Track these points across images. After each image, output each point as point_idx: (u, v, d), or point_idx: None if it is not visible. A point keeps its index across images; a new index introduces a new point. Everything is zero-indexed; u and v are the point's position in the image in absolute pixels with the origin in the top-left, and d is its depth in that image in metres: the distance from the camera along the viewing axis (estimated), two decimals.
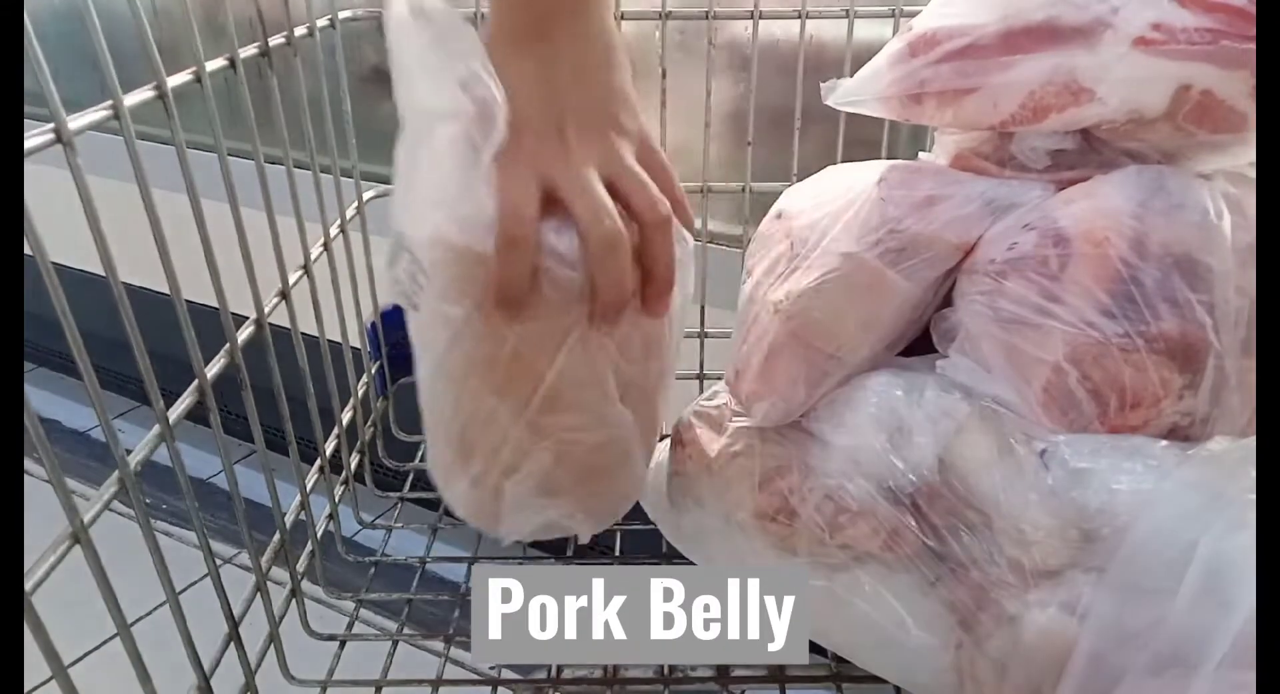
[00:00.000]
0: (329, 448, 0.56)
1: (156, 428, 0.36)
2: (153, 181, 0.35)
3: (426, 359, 0.45)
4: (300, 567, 0.52)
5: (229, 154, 0.40)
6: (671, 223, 0.41)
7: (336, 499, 0.58)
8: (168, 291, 0.36)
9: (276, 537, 0.48)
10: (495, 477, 0.46)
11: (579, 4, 0.40)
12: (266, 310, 0.45)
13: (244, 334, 0.43)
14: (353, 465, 0.62)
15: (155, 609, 0.39)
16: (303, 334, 0.49)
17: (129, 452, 0.34)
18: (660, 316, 0.44)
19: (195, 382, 0.39)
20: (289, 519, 0.49)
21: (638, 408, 0.47)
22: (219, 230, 0.39)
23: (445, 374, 0.44)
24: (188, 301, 0.37)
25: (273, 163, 0.44)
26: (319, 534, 0.55)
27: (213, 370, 0.40)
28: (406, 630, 0.57)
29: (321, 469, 0.54)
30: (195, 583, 0.46)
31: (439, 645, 0.55)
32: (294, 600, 0.51)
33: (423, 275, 0.41)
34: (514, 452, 0.45)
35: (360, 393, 0.64)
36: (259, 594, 0.45)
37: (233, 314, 0.41)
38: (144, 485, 0.34)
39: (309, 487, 0.52)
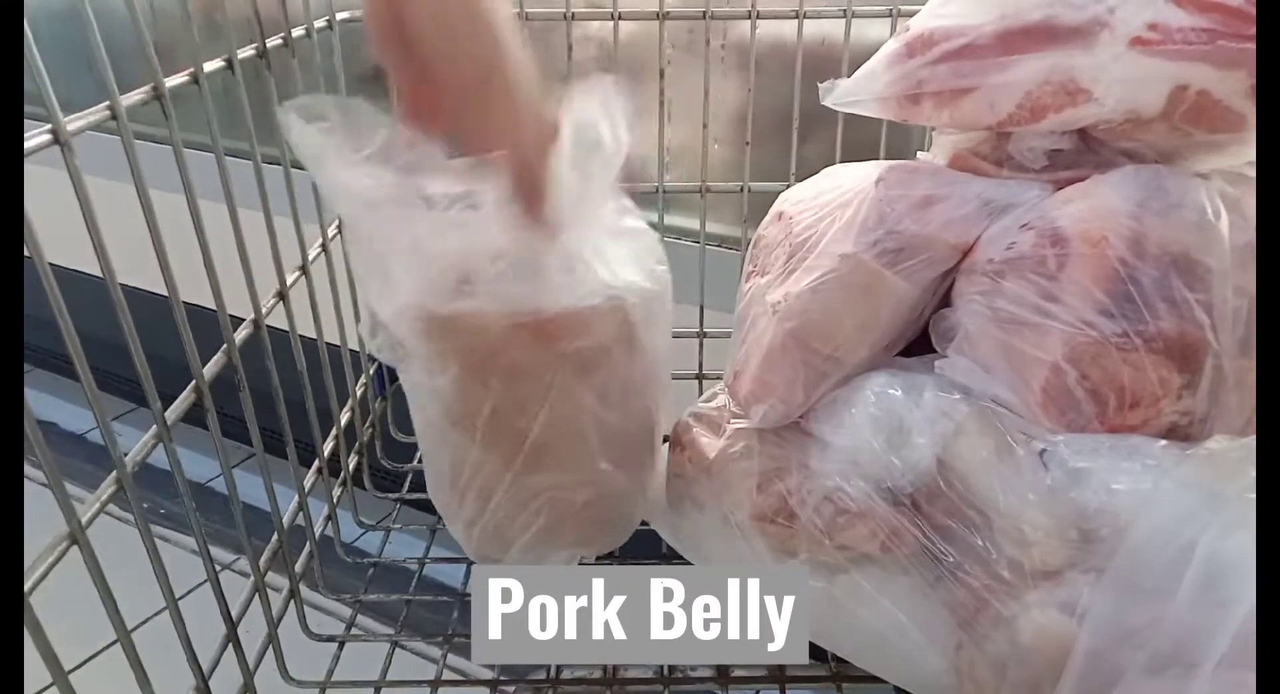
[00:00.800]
0: (327, 449, 0.56)
1: (154, 428, 0.36)
2: (149, 182, 0.35)
3: (416, 411, 0.46)
4: (299, 568, 0.52)
5: (226, 154, 0.40)
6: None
7: (335, 500, 0.58)
8: (164, 293, 0.36)
9: (275, 538, 0.48)
10: (488, 520, 0.47)
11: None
12: (264, 310, 0.45)
13: (241, 334, 0.43)
14: (351, 467, 0.61)
15: (156, 615, 0.39)
16: (300, 336, 0.49)
17: (126, 454, 0.34)
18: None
19: (193, 381, 0.39)
20: (287, 520, 0.49)
21: (626, 452, 0.48)
22: (215, 231, 0.39)
23: (434, 426, 0.45)
24: (185, 304, 0.37)
25: (270, 163, 0.44)
26: (317, 535, 0.54)
27: (210, 370, 0.40)
28: (405, 632, 0.57)
29: (320, 471, 0.54)
30: (195, 589, 0.46)
31: (438, 646, 0.55)
32: (292, 602, 0.51)
33: (400, 347, 0.43)
34: (507, 502, 0.46)
35: (358, 394, 0.64)
36: (257, 595, 0.45)
37: (230, 317, 0.41)
38: (141, 489, 0.34)
39: (307, 488, 0.52)
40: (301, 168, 0.48)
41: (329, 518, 0.57)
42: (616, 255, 0.44)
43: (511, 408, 0.43)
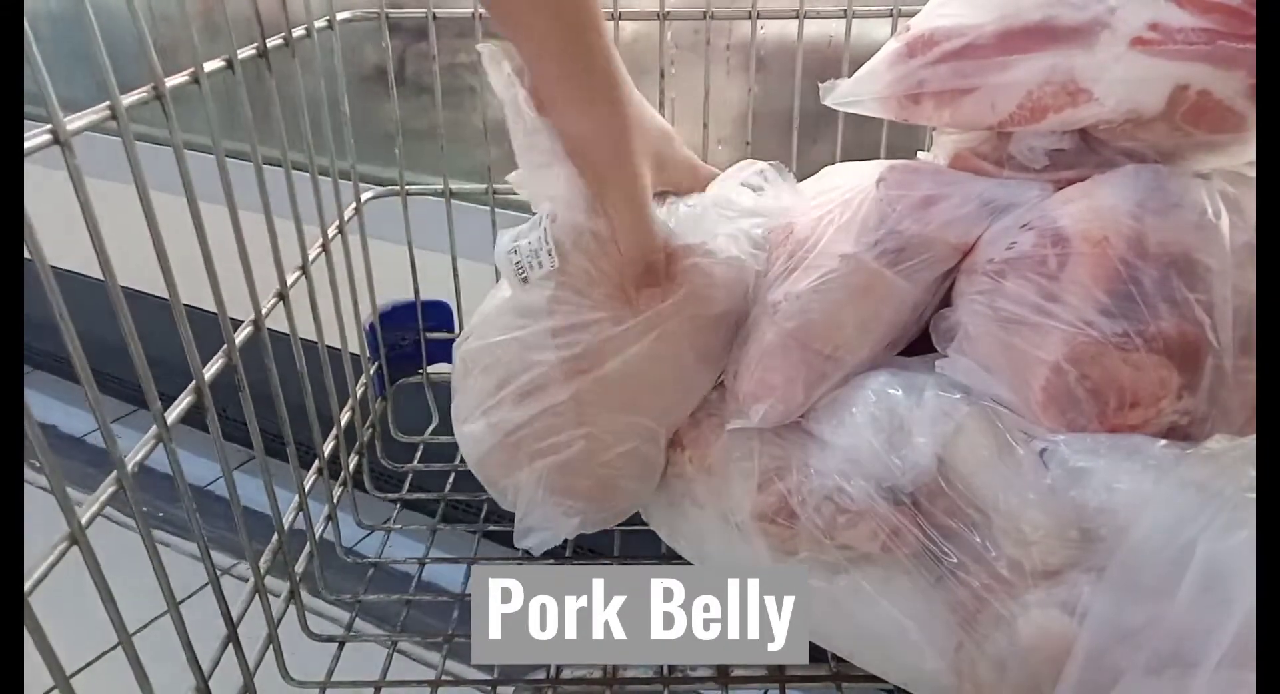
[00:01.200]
0: (327, 450, 0.56)
1: (154, 428, 0.36)
2: (149, 183, 0.35)
3: (504, 315, 0.47)
4: (299, 568, 0.52)
5: (225, 155, 0.40)
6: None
7: (335, 501, 0.58)
8: (164, 295, 0.36)
9: (275, 538, 0.48)
10: (514, 429, 0.47)
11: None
12: (264, 311, 0.45)
13: (241, 334, 0.43)
14: (351, 467, 0.61)
15: (158, 618, 0.39)
16: (301, 339, 0.49)
17: (126, 455, 0.34)
18: None
19: (193, 382, 0.39)
20: (287, 521, 0.49)
21: (674, 424, 0.49)
22: (215, 232, 0.39)
23: (524, 326, 0.46)
24: (185, 306, 0.37)
25: (270, 164, 0.44)
26: (318, 536, 0.54)
27: (210, 370, 0.40)
28: (405, 632, 0.57)
29: (320, 471, 0.54)
30: (196, 593, 0.46)
31: (438, 647, 0.55)
32: (292, 602, 0.51)
33: (548, 255, 0.44)
34: (546, 417, 0.46)
35: (359, 394, 0.64)
36: (257, 596, 0.45)
37: (231, 319, 0.41)
38: (140, 493, 0.34)
39: (308, 489, 0.52)
40: (301, 169, 0.48)
41: (329, 519, 0.57)
42: (744, 232, 0.47)
43: (613, 329, 0.45)
